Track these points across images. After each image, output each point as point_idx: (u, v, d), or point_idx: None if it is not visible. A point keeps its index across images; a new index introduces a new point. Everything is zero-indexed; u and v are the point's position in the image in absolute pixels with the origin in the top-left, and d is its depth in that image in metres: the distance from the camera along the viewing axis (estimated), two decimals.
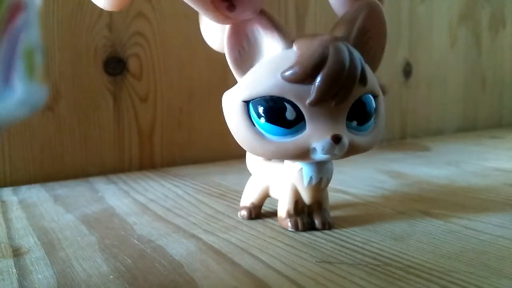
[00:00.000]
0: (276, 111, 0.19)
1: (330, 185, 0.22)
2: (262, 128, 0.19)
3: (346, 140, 0.19)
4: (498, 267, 0.17)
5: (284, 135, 0.19)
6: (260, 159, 0.25)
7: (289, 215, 0.22)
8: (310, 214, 0.23)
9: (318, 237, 0.21)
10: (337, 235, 0.22)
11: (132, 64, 0.40)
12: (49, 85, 0.36)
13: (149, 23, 0.41)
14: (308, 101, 0.18)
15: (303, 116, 0.19)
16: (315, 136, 0.19)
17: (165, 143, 0.43)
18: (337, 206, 0.27)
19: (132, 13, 0.40)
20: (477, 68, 0.72)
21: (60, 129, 0.37)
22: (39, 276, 0.17)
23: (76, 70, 0.37)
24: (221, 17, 0.19)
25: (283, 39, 0.19)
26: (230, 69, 0.20)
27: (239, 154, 0.35)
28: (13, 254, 0.20)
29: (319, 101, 0.18)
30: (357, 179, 0.35)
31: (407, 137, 0.63)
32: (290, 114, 0.19)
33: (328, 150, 0.19)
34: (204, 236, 0.22)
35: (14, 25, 0.10)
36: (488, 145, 0.55)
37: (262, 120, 0.19)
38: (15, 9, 0.10)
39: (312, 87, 0.18)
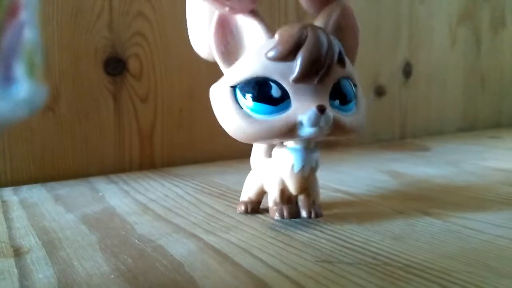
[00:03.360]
0: (262, 90, 0.20)
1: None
2: (249, 109, 0.20)
3: (330, 112, 0.20)
4: (497, 267, 0.17)
5: (271, 112, 0.20)
6: (261, 155, 0.25)
7: (275, 203, 0.23)
8: (297, 204, 0.23)
9: (318, 236, 0.21)
10: (337, 235, 0.22)
11: (132, 64, 0.40)
12: (49, 85, 0.36)
13: (149, 23, 0.41)
14: (291, 78, 0.19)
15: (288, 94, 0.20)
16: (301, 110, 0.20)
17: (165, 143, 0.43)
18: (337, 206, 0.27)
19: (132, 13, 0.40)
20: (476, 68, 0.72)
21: (61, 129, 0.37)
22: (40, 275, 0.18)
23: (76, 70, 0.37)
24: (219, 5, 0.20)
25: (265, 30, 0.21)
26: None
27: (239, 154, 0.35)
28: (14, 253, 0.20)
29: (302, 78, 0.19)
30: (357, 179, 0.35)
31: (406, 137, 0.63)
32: (275, 91, 0.20)
33: (314, 121, 0.19)
34: (204, 236, 0.22)
35: (14, 24, 0.10)
36: (488, 145, 0.55)
37: (249, 100, 0.20)
38: (15, 9, 0.10)
39: (294, 64, 0.19)
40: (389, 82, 0.60)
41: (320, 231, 0.22)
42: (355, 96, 0.22)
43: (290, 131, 0.20)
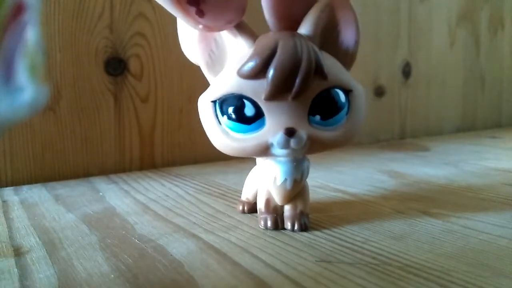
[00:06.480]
0: (236, 108, 0.19)
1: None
2: (226, 126, 0.20)
3: (303, 133, 0.19)
4: (497, 267, 0.18)
5: (245, 131, 0.20)
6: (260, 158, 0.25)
7: (260, 212, 0.23)
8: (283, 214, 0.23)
9: (317, 236, 0.21)
10: (336, 235, 0.22)
11: (133, 65, 0.40)
12: (50, 86, 0.36)
13: (149, 23, 0.41)
14: (263, 96, 0.19)
15: (263, 112, 0.19)
16: (273, 130, 0.19)
17: (166, 143, 0.43)
18: (336, 206, 0.27)
19: (133, 13, 0.40)
20: (476, 68, 0.72)
21: (61, 129, 0.37)
22: (40, 275, 0.18)
23: (77, 71, 0.38)
24: (192, 21, 0.19)
25: (247, 41, 0.20)
26: None
27: None
28: (14, 253, 0.20)
29: (273, 95, 0.19)
30: (357, 179, 0.35)
31: (406, 137, 0.63)
32: (249, 110, 0.19)
33: (283, 144, 0.19)
34: (204, 236, 0.22)
35: (16, 25, 0.10)
36: (487, 145, 0.55)
37: (225, 118, 0.20)
38: (17, 10, 0.10)
39: (266, 81, 0.18)
40: (388, 82, 0.60)
41: (320, 231, 0.22)
42: (348, 105, 0.20)
43: (264, 150, 0.19)
